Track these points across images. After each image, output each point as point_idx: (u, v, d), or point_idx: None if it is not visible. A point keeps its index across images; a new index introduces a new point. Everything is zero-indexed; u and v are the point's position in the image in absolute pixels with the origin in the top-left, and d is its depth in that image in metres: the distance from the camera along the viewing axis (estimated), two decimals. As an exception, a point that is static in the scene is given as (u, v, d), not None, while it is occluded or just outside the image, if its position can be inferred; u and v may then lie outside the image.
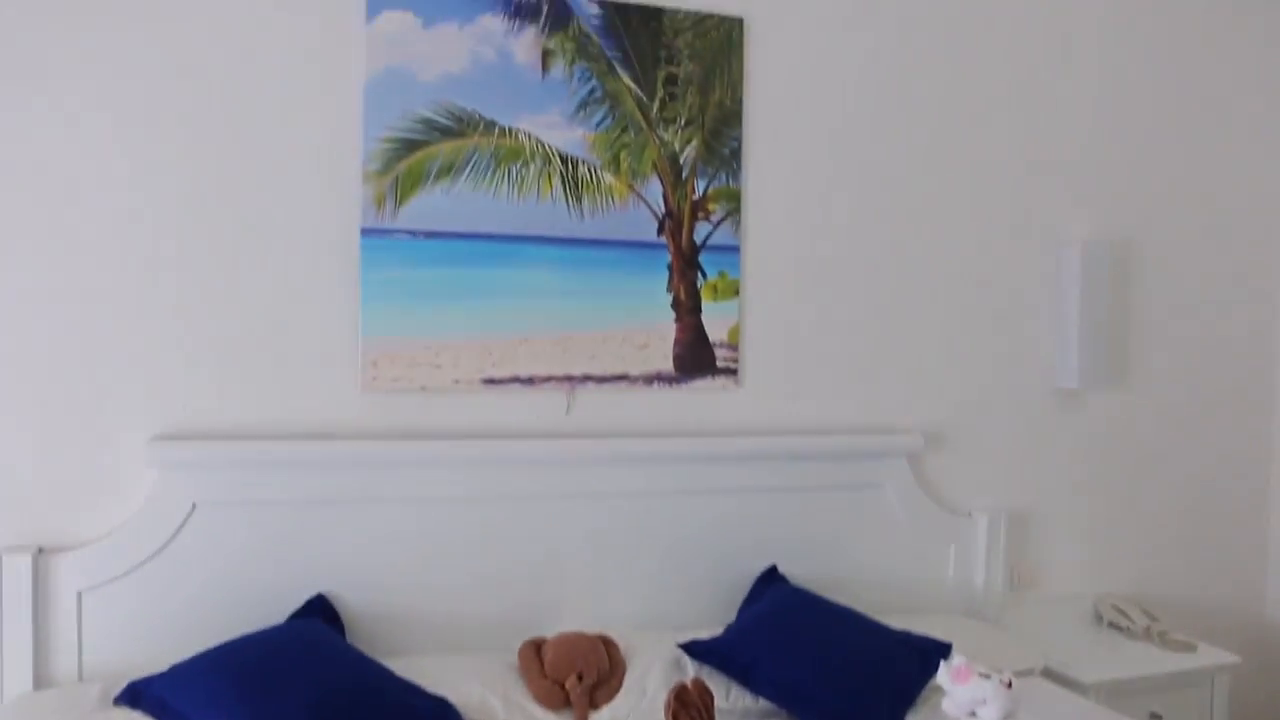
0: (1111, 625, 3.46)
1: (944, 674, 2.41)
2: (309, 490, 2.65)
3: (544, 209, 2.86)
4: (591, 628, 2.77)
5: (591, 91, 2.90)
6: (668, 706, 2.19)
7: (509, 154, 2.82)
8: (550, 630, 2.76)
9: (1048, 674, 2.99)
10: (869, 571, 3.23)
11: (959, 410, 3.44)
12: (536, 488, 2.85)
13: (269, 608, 2.58)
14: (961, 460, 3.44)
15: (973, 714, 2.33)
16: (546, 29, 2.84)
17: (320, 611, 2.62)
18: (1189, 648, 3.30)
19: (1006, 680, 2.33)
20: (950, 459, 3.42)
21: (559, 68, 2.86)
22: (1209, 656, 3.28)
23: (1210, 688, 3.26)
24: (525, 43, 2.82)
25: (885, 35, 3.30)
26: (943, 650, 2.75)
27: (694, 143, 3.02)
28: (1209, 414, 3.85)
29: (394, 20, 2.69)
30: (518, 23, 2.81)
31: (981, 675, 2.33)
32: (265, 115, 2.64)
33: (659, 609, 2.97)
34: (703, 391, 3.09)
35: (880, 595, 3.19)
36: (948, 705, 2.39)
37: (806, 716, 2.54)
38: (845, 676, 2.61)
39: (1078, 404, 3.61)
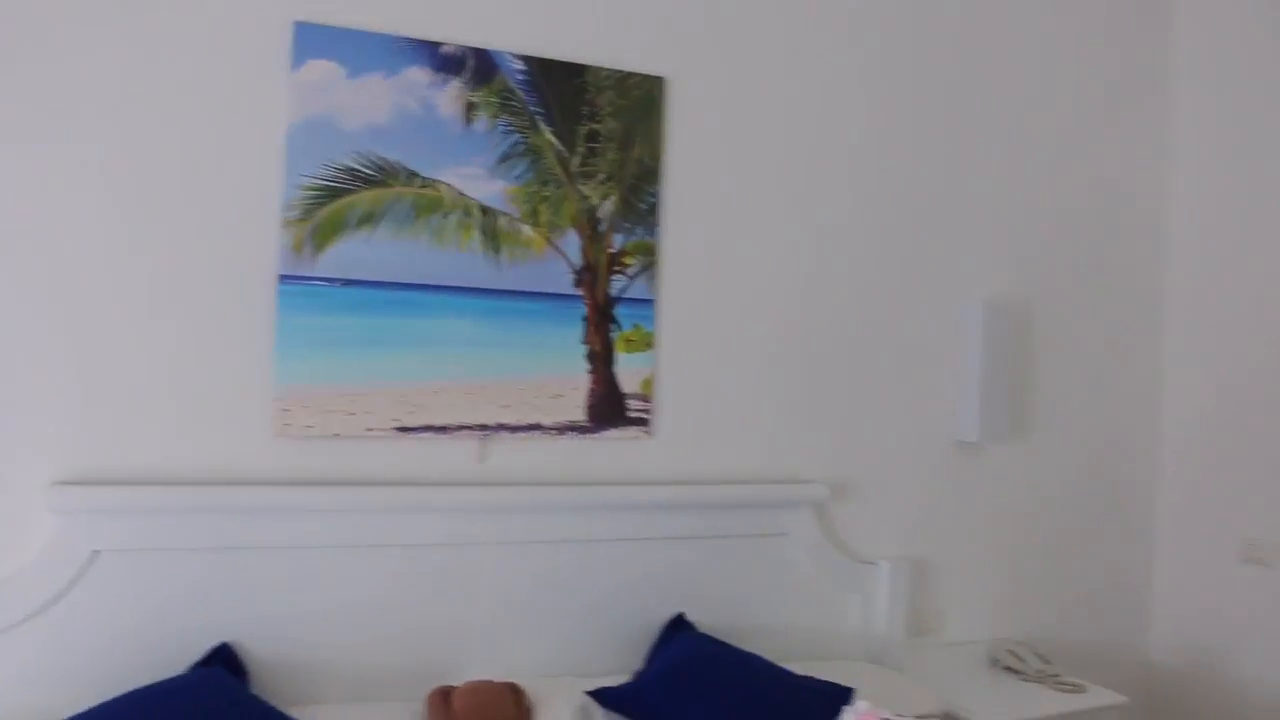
0: (1007, 669, 3.59)
1: (849, 718, 2.48)
2: (216, 537, 2.62)
3: (463, 259, 2.90)
4: (499, 676, 2.80)
5: (514, 145, 2.95)
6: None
7: (429, 204, 2.86)
8: (458, 679, 2.77)
9: (947, 718, 3.09)
10: (774, 618, 3.30)
11: (864, 461, 3.55)
12: (447, 536, 2.87)
13: (172, 657, 2.55)
14: (865, 510, 3.55)
15: (876, 760, 2.41)
16: (471, 82, 2.89)
17: (224, 661, 2.59)
18: (1079, 689, 3.44)
19: (908, 728, 2.42)
20: (854, 508, 3.53)
21: (482, 121, 2.91)
22: (1098, 697, 3.42)
23: (1097, 728, 3.41)
24: (449, 95, 2.87)
25: (801, 98, 3.42)
26: (845, 695, 2.83)
27: (613, 198, 3.09)
28: (1098, 466, 4.04)
29: (319, 70, 2.72)
30: (443, 76, 2.86)
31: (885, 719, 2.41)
32: (184, 159, 2.64)
33: (567, 657, 3.00)
34: (615, 442, 3.14)
35: (785, 641, 3.27)
36: (850, 751, 2.46)
37: (715, 763, 2.60)
38: (749, 721, 2.69)
39: (977, 456, 3.76)
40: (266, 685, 2.65)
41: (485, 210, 2.93)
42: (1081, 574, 4.00)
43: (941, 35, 3.68)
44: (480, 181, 2.91)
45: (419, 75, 2.83)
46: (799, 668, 3.00)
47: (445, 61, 2.86)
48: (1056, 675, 3.52)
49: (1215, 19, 4.13)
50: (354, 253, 2.77)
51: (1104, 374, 4.05)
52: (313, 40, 2.71)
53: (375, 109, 2.78)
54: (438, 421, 2.89)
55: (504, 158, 2.94)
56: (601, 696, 2.72)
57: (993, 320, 3.66)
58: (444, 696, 2.63)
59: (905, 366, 3.62)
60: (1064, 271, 3.95)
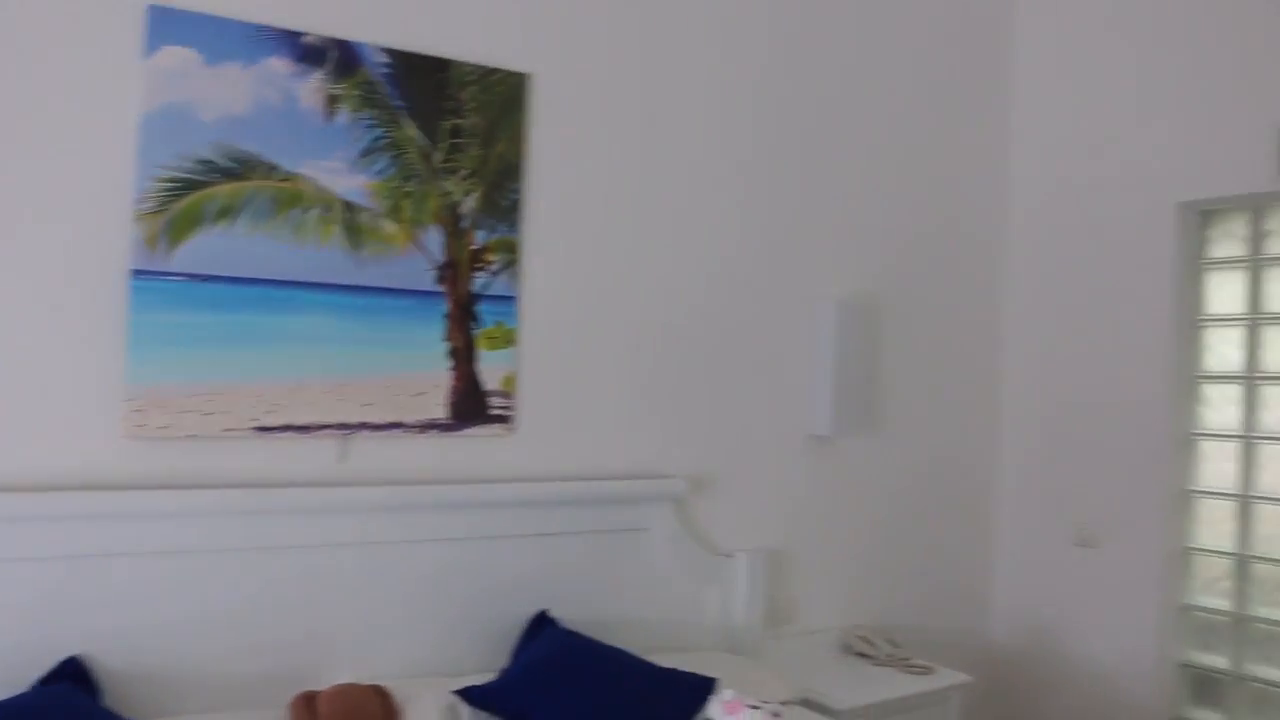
0: (859, 654, 3.74)
1: (716, 708, 2.54)
2: (64, 545, 2.50)
3: (323, 255, 2.85)
4: (365, 679, 2.75)
5: (376, 139, 2.92)
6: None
7: (290, 198, 2.79)
8: (323, 684, 2.72)
9: (806, 703, 3.20)
10: (637, 612, 3.35)
11: (722, 456, 3.64)
12: (309, 537, 2.81)
13: (16, 674, 2.42)
14: (723, 503, 3.64)
15: (743, 745, 2.48)
16: (333, 75, 2.84)
17: (73, 676, 2.47)
18: (928, 671, 3.62)
19: (775, 710, 2.50)
20: (713, 502, 3.61)
21: (344, 114, 2.87)
22: (945, 678, 3.61)
23: (946, 706, 3.59)
24: (311, 87, 2.81)
25: (662, 98, 3.48)
26: (708, 685, 2.90)
27: (475, 194, 3.08)
28: (942, 458, 4.25)
29: (175, 56, 2.63)
30: (304, 67, 2.80)
31: (751, 707, 2.48)
32: (29, 147, 2.50)
33: (433, 657, 2.99)
34: (477, 439, 3.14)
35: (647, 634, 3.31)
36: (721, 738, 2.53)
37: (585, 756, 2.63)
38: (619, 714, 2.74)
39: (829, 449, 3.90)
40: (121, 699, 2.54)
41: (347, 205, 2.88)
42: (928, 561, 4.20)
43: (796, 40, 3.80)
44: (342, 176, 2.87)
45: (280, 65, 2.76)
46: (662, 660, 3.05)
47: (307, 52, 2.81)
48: (906, 658, 3.69)
49: (1053, 26, 4.39)
50: (212, 247, 2.68)
51: (947, 369, 4.26)
52: (168, 25, 2.61)
53: (234, 99, 2.70)
54: (298, 421, 2.83)
55: (366, 152, 2.90)
56: (468, 695, 2.72)
57: (844, 318, 3.80)
58: (308, 702, 2.59)
59: (761, 363, 3.72)
60: (912, 270, 4.14)
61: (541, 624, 3.11)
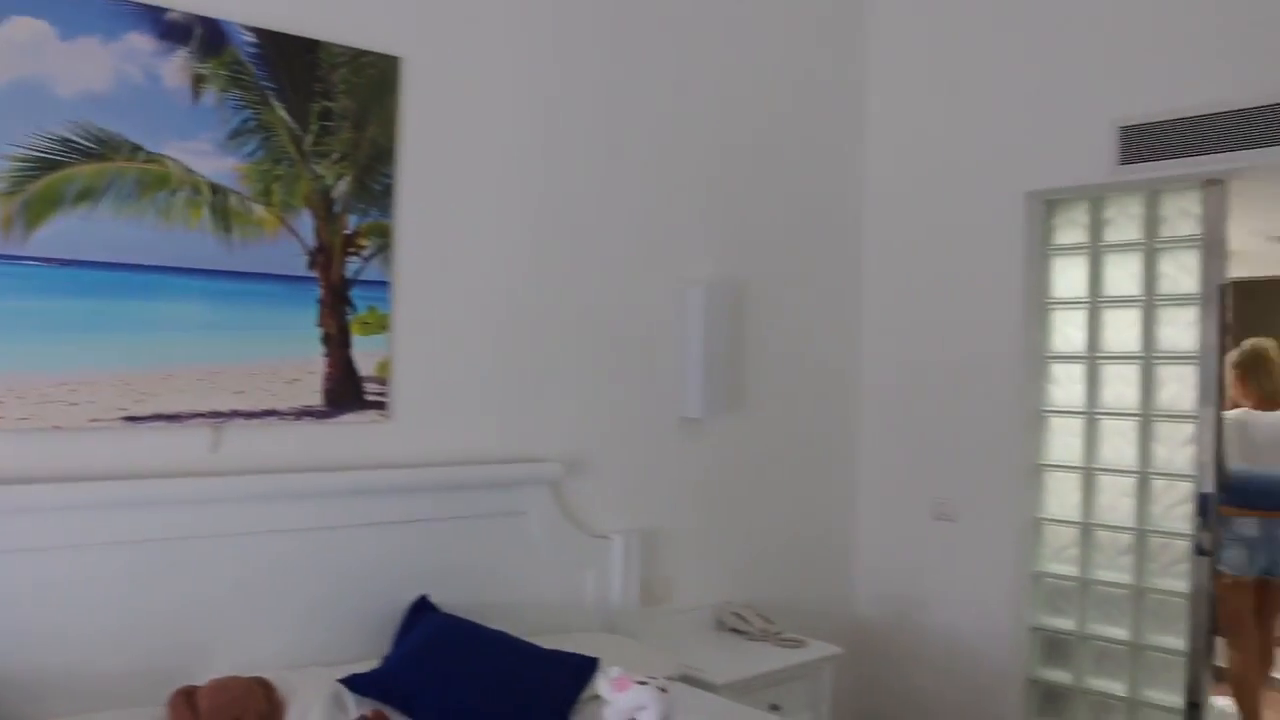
0: (733, 630, 3.84)
1: (604, 685, 2.59)
2: (-83, 543, 2.40)
3: (191, 239, 2.77)
4: (245, 671, 2.70)
5: (244, 121, 2.85)
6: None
7: (155, 180, 2.71)
8: (202, 677, 2.66)
9: (685, 679, 3.27)
10: (516, 595, 3.37)
11: (596, 439, 3.68)
12: (181, 528, 2.74)
13: None
14: (598, 486, 3.68)
15: (633, 719, 2.53)
16: (199, 53, 2.77)
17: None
18: (800, 644, 3.74)
19: (662, 685, 2.55)
20: (588, 485, 3.65)
21: (211, 94, 2.79)
22: (816, 651, 3.74)
23: (818, 677, 3.73)
24: (175, 66, 2.73)
25: (533, 82, 3.49)
26: (591, 665, 2.95)
27: (347, 178, 3.04)
28: (807, 437, 4.39)
29: (25, 28, 2.51)
30: (168, 44, 2.71)
31: (639, 683, 2.53)
32: None
33: (314, 647, 2.94)
34: (352, 426, 3.11)
35: (528, 617, 3.33)
36: (609, 713, 2.57)
37: (473, 739, 2.65)
38: (504, 696, 2.77)
39: (700, 431, 3.98)
40: (-17, 701, 2.44)
41: (215, 188, 2.81)
42: (796, 537, 4.34)
43: (663, 27, 3.86)
44: (209, 158, 2.79)
45: (141, 42, 2.67)
46: (543, 641, 3.08)
47: (170, 29, 2.72)
48: (779, 633, 3.81)
49: (908, 21, 4.56)
50: (72, 231, 2.58)
51: (811, 351, 4.40)
52: (17, -4, 2.50)
53: (93, 76, 2.60)
54: (168, 409, 2.75)
55: (234, 134, 2.84)
56: (352, 683, 2.70)
57: (712, 301, 3.88)
58: (187, 697, 2.52)
59: (633, 347, 3.78)
60: (776, 255, 4.26)
61: (422, 610, 3.10)
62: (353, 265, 3.07)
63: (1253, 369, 5.08)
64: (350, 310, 3.08)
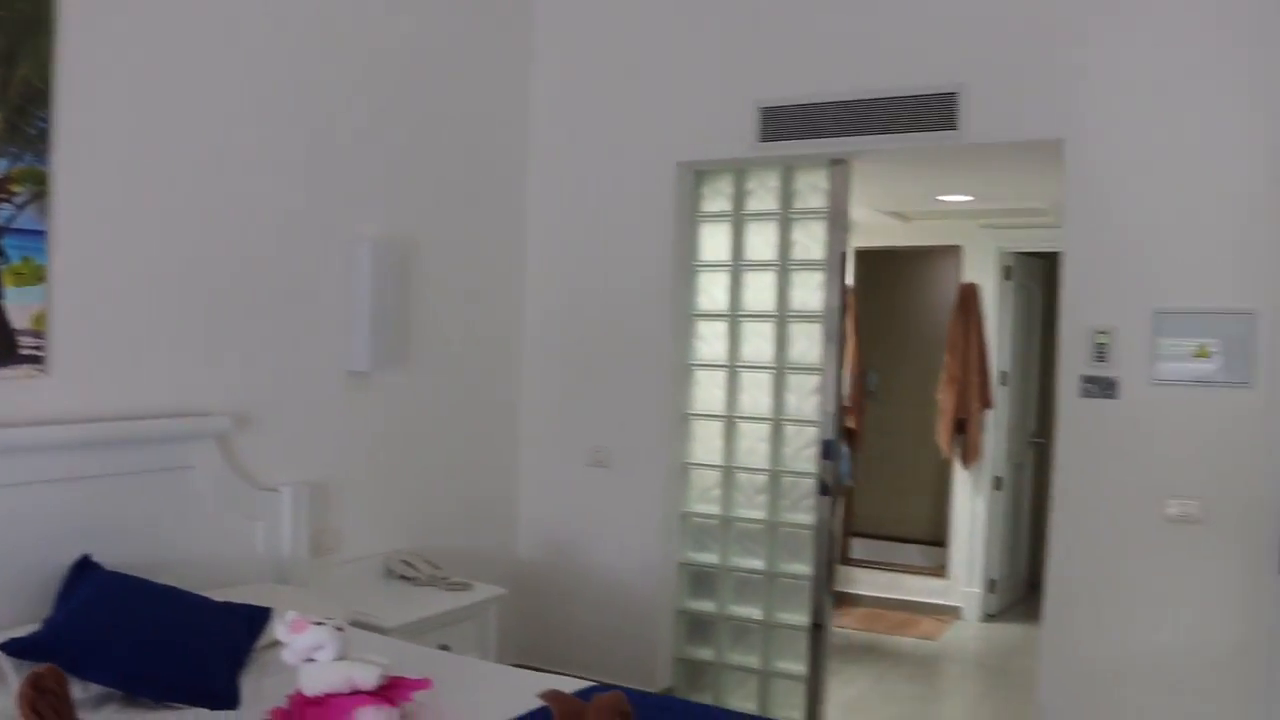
0: (402, 577, 4.00)
1: (281, 628, 2.68)
2: None
3: None
4: (-111, 639, 2.59)
5: (-118, 54, 2.68)
6: (23, 697, 2.18)
7: None
8: None
9: (356, 624, 3.41)
10: (184, 551, 3.36)
11: (265, 392, 3.71)
12: None
13: None
14: (267, 439, 3.71)
15: (311, 659, 2.64)
16: None
17: None
18: (466, 587, 3.97)
19: (339, 625, 2.69)
20: (257, 438, 3.67)
21: None
22: (482, 593, 3.99)
23: (484, 617, 3.98)
24: None
25: (200, 34, 3.44)
26: (263, 614, 3.03)
27: (-3, 119, 2.92)
28: (472, 390, 4.61)
29: None
30: None
31: (316, 624, 2.65)
32: None
33: (-34, 612, 2.85)
34: (6, 381, 2.99)
35: (198, 572, 3.33)
36: (286, 655, 2.65)
37: (149, 694, 2.68)
38: (177, 650, 2.78)
39: (367, 385, 4.09)
40: None
41: None
42: (461, 486, 4.55)
43: (333, -17, 3.90)
44: None
45: None
46: (215, 595, 3.11)
47: None
48: (446, 577, 4.01)
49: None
50: None
51: (476, 306, 4.62)
52: None
53: None
54: None
55: None
56: (10, 647, 2.63)
57: (380, 256, 3.99)
58: None
59: (301, 301, 3.82)
60: (443, 212, 4.43)
61: (85, 569, 3.04)
62: (4, 212, 2.95)
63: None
64: (3, 260, 2.95)
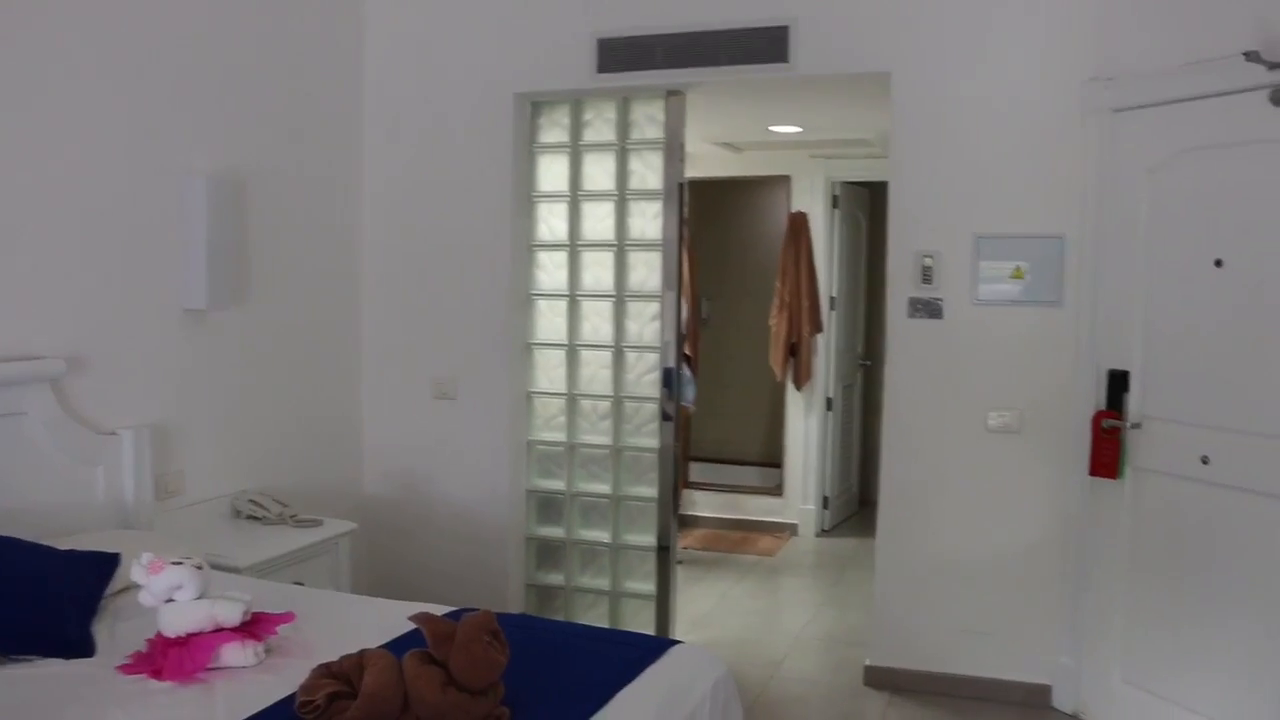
0: (250, 517, 4.00)
1: (138, 570, 2.67)
2: None
3: None
4: None
5: None
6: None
7: None
8: None
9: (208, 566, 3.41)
10: (23, 499, 3.26)
11: (99, 333, 3.60)
12: None
13: None
14: (104, 382, 3.61)
15: (170, 600, 2.65)
16: None
17: None
18: (316, 524, 4.00)
19: (197, 563, 2.71)
20: (93, 382, 3.57)
21: None
22: (332, 528, 4.02)
23: (336, 552, 4.02)
24: None
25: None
26: (112, 560, 3.00)
27: None
28: (314, 326, 4.59)
29: None
30: None
31: (174, 563, 2.66)
32: None
33: None
34: None
35: (39, 520, 3.24)
36: (144, 597, 2.66)
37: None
38: (25, 601, 2.72)
39: (206, 322, 4.02)
40: None
41: None
42: (307, 423, 4.55)
43: (151, -94, 3.76)
44: None
45: None
46: (59, 543, 3.04)
47: None
48: (295, 515, 4.03)
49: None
50: None
51: (313, 241, 4.58)
52: None
53: None
54: None
55: None
56: None
57: (214, 193, 3.89)
58: None
59: (134, 239, 3.71)
60: (279, 148, 4.35)
61: (-91, 525, 2.96)
62: None
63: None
64: None
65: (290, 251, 4.44)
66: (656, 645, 2.89)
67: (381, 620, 2.88)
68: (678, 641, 2.97)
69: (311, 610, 2.96)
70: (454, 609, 2.95)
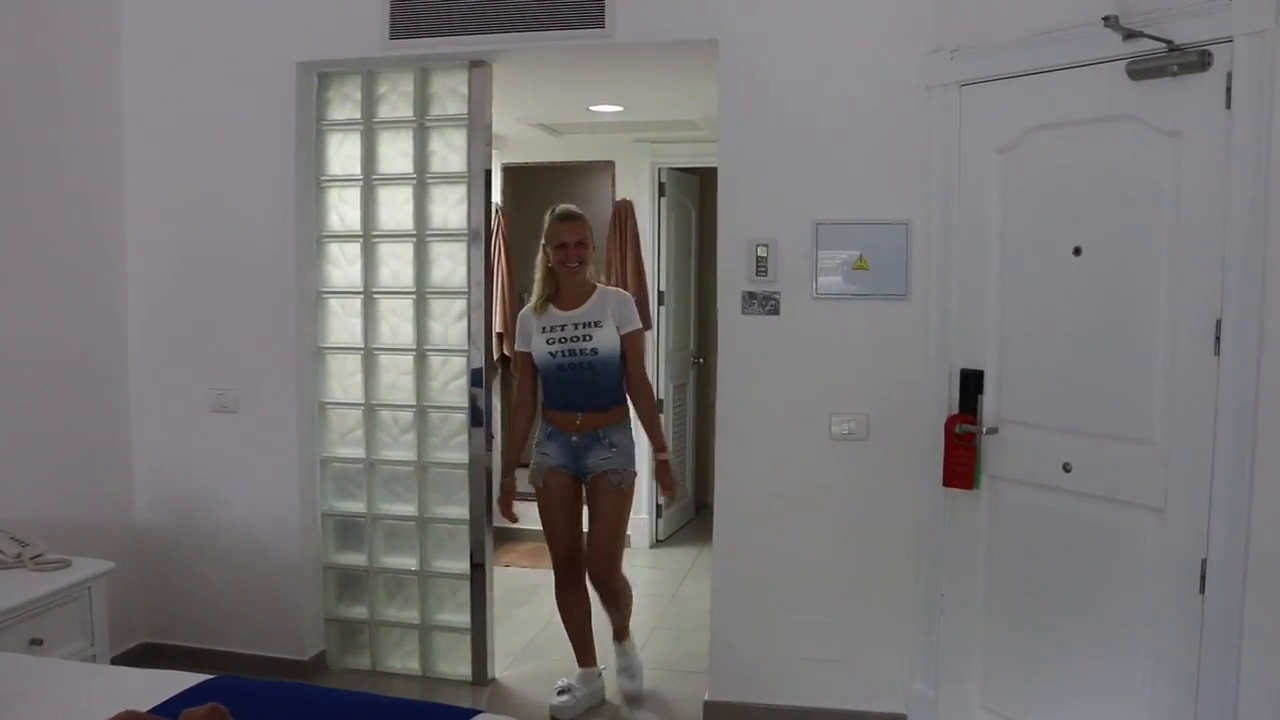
0: (-21, 562, 3.42)
1: None
2: None
3: None
4: None
5: None
6: None
7: None
8: None
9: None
10: None
11: None
12: None
13: None
14: None
15: None
16: None
17: None
18: (63, 565, 3.44)
19: None
20: None
21: None
22: (84, 569, 3.47)
23: (88, 597, 3.46)
24: None
25: None
26: None
27: None
28: (69, 332, 4.05)
29: None
30: None
31: None
32: None
33: None
34: None
35: None
36: None
37: None
38: None
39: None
40: None
41: None
42: (61, 445, 4.00)
43: None
44: None
45: None
46: None
47: None
48: (38, 555, 3.47)
49: None
50: None
51: (66, 233, 4.00)
52: None
53: None
54: None
55: None
56: None
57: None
58: None
59: None
60: (19, 121, 3.75)
61: None
62: None
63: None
64: None
65: (38, 248, 3.86)
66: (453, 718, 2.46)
67: (107, 702, 2.36)
68: (477, 711, 2.52)
69: (28, 689, 2.45)
70: (202, 680, 2.46)
